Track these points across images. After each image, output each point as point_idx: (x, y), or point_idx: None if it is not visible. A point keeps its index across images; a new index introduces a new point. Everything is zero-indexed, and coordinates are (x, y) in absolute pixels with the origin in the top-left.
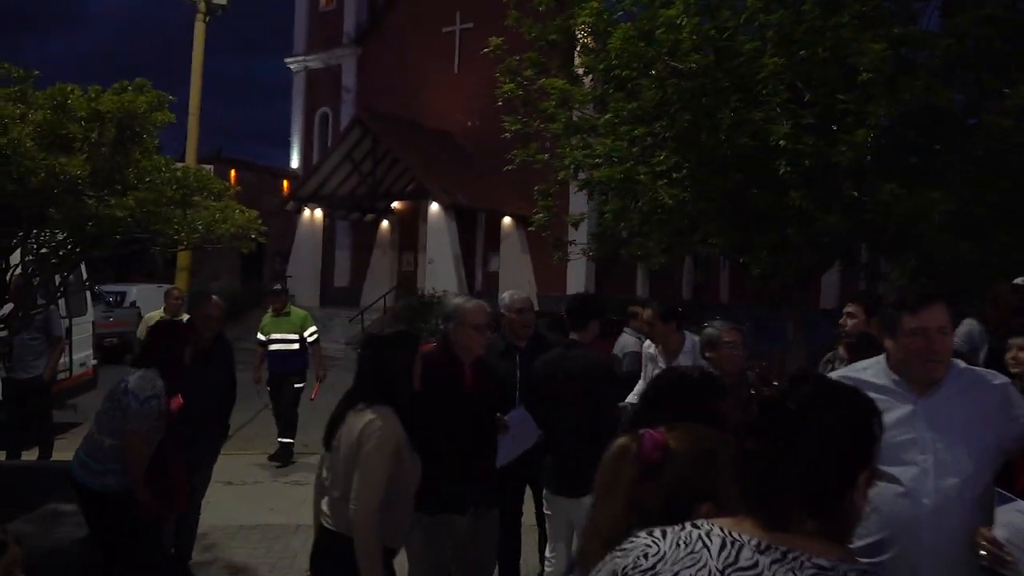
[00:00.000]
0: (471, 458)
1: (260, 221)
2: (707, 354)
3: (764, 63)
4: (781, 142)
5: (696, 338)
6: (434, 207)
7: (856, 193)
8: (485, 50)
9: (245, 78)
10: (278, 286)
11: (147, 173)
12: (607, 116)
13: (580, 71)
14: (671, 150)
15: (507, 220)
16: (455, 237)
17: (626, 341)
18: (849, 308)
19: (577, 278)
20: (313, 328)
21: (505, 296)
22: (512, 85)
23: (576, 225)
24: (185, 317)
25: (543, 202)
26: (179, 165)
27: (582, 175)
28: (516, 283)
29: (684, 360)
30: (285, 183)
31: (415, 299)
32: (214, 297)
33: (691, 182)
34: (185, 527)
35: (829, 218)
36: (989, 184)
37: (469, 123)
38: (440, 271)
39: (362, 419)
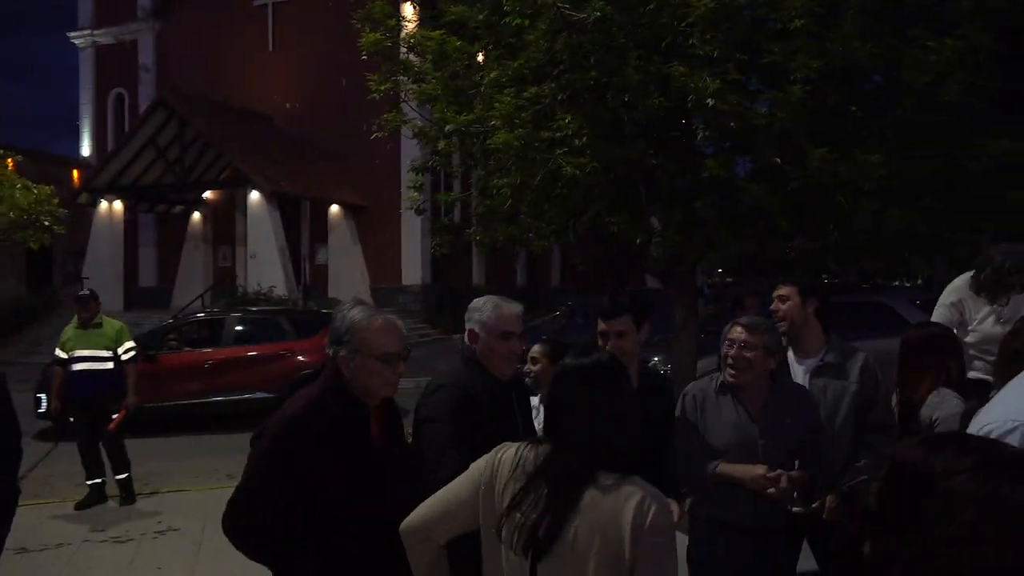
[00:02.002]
0: (383, 553)
1: (57, 202)
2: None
3: (694, 5)
4: (709, 101)
5: None
6: (254, 196)
7: (779, 160)
8: None
9: (23, 58)
10: (85, 291)
11: None
12: (492, 74)
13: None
14: (572, 114)
15: (335, 209)
16: (279, 228)
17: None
18: (782, 291)
19: (414, 268)
20: (130, 344)
21: (482, 305)
22: (376, 35)
23: (447, 206)
24: None
25: (416, 179)
26: None
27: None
28: (347, 276)
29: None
30: (75, 173)
31: (237, 297)
32: None
33: (592, 151)
34: None
35: (752, 188)
36: (912, 147)
37: (289, 105)
38: (264, 265)
39: (626, 502)
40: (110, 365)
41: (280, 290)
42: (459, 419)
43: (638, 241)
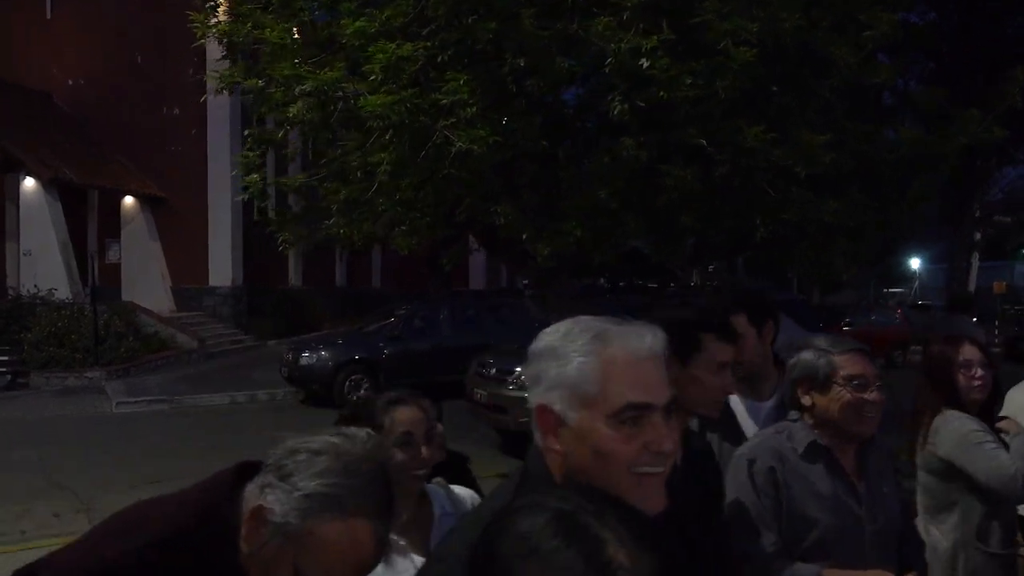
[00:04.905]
0: None
1: None
2: None
3: None
4: (643, 62)
5: None
6: (29, 183)
7: (704, 141)
8: None
9: None
10: None
11: None
12: (358, 23)
13: None
14: (463, 78)
15: (129, 200)
16: (60, 221)
17: None
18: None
19: (223, 267)
20: None
21: (563, 344)
22: None
23: (296, 192)
24: None
25: (251, 155)
26: None
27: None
28: (145, 276)
29: None
30: None
31: (8, 302)
32: None
33: (484, 124)
34: None
35: (676, 172)
36: (841, 130)
37: (71, 81)
38: (42, 264)
39: None
40: None
41: (63, 292)
42: None
43: (524, 236)
